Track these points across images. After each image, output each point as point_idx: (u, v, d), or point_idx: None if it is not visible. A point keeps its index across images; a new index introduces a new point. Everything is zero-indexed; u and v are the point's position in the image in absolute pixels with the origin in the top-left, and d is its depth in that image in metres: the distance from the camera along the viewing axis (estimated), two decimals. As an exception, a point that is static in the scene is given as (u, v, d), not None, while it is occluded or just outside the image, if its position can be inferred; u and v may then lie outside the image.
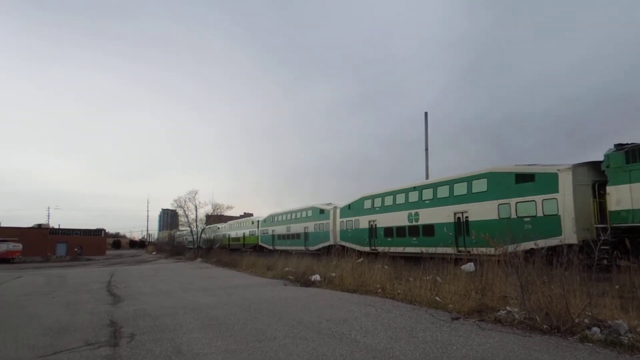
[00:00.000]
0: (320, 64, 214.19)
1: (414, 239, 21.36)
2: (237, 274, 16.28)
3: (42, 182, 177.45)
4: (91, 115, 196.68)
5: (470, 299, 7.21)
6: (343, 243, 27.33)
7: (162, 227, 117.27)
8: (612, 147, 13.73)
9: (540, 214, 15.30)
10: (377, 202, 25.22)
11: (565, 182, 14.56)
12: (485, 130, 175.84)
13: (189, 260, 32.23)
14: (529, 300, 5.65)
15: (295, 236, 35.64)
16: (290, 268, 14.81)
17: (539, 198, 15.39)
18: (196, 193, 38.84)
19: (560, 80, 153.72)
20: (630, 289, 7.36)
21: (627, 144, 13.35)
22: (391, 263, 13.61)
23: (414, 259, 16.37)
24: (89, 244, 58.46)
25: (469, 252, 17.83)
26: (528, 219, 15.65)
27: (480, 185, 18.07)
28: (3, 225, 53.75)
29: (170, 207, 65.54)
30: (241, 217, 64.79)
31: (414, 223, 21.65)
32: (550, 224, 14.73)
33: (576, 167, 14.63)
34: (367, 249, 24.72)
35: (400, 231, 22.66)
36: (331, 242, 29.73)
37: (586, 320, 5.28)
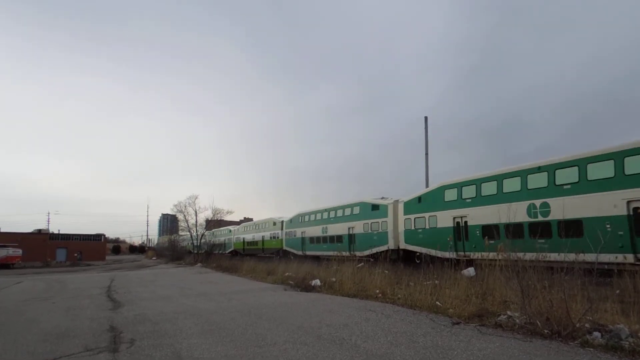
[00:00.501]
0: (321, 67, 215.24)
1: (542, 240, 13.91)
2: (237, 279, 16.25)
3: (42, 187, 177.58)
4: (91, 119, 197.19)
5: (471, 303, 7.19)
6: (410, 247, 22.01)
7: (162, 232, 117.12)
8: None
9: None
10: (468, 192, 18.64)
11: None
12: (488, 133, 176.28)
13: (189, 265, 32.17)
14: (530, 305, 5.64)
15: (336, 239, 29.21)
16: (290, 273, 14.79)
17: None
18: (196, 198, 38.79)
19: (564, 82, 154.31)
20: (631, 293, 7.35)
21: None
22: (391, 268, 13.58)
23: (414, 265, 16.31)
24: (89, 249, 58.44)
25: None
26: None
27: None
28: (3, 230, 53.81)
29: (170, 212, 65.41)
30: (241, 221, 64.57)
31: (540, 219, 15.06)
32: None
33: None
34: (451, 254, 17.65)
35: (516, 229, 13.81)
36: (390, 245, 23.66)
37: (587, 325, 5.27)
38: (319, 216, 32.79)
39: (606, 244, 12.42)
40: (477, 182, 18.22)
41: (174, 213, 47.34)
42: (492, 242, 13.70)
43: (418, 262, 19.80)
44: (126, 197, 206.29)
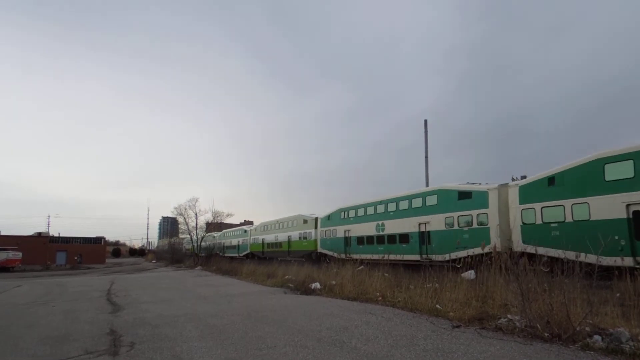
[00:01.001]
0: (316, 72, 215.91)
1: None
2: (237, 282, 16.22)
3: (42, 190, 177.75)
4: (91, 123, 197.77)
5: (471, 306, 7.19)
6: (541, 249, 14.63)
7: (162, 234, 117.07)
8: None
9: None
10: None
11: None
12: (484, 137, 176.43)
13: (189, 268, 32.11)
14: (530, 308, 5.64)
15: (398, 238, 23.01)
16: (290, 276, 14.77)
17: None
18: (196, 201, 38.85)
19: (561, 84, 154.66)
20: (631, 296, 7.35)
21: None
22: (391, 271, 13.56)
23: (414, 267, 16.33)
24: (89, 252, 58.29)
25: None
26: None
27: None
28: (3, 233, 53.74)
29: (170, 215, 65.37)
30: (241, 224, 64.48)
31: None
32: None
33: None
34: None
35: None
36: (494, 242, 16.30)
37: (587, 328, 5.27)
38: (370, 210, 26.16)
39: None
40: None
41: (174, 216, 47.39)
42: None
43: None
44: (126, 199, 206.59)
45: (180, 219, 41.78)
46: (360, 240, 26.67)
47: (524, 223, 16.31)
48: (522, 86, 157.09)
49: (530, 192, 16.38)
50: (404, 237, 22.70)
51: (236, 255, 47.88)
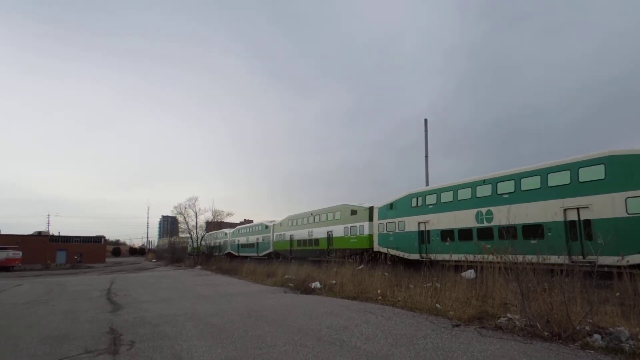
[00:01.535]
0: (316, 72, 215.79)
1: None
2: (237, 282, 16.22)
3: (42, 190, 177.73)
4: (91, 123, 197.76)
5: (471, 306, 7.20)
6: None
7: (162, 234, 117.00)
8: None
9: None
10: None
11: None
12: (484, 136, 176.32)
13: (189, 267, 32.13)
14: (530, 307, 5.64)
15: (524, 231, 15.64)
16: (290, 275, 14.77)
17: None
18: (196, 200, 38.89)
19: (561, 83, 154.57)
20: (631, 296, 7.35)
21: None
22: (391, 270, 13.57)
23: (413, 266, 16.29)
24: (89, 252, 58.36)
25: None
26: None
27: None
28: (3, 232, 53.77)
29: (170, 214, 65.28)
30: (241, 223, 64.44)
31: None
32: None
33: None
34: None
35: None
36: None
37: (587, 328, 5.27)
38: (465, 193, 19.08)
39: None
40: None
41: (174, 215, 47.37)
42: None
43: None
44: (126, 199, 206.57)
45: (180, 218, 41.88)
46: (447, 234, 19.46)
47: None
48: (522, 86, 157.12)
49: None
50: (534, 230, 15.17)
51: (255, 254, 42.44)
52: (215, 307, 8.83)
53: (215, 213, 39.68)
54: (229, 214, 41.15)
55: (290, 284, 12.92)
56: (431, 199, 21.29)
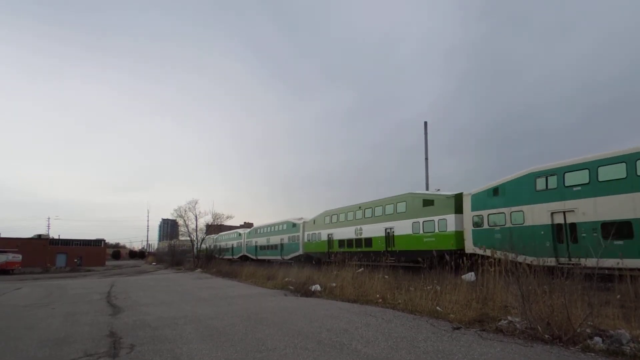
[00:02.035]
0: (316, 73, 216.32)
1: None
2: (237, 284, 16.20)
3: (42, 193, 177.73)
4: (91, 125, 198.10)
5: (471, 308, 7.18)
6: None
7: (162, 237, 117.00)
8: None
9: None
10: None
11: None
12: (484, 137, 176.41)
13: (189, 270, 32.08)
14: (531, 310, 5.63)
15: None
16: (290, 278, 14.75)
17: None
18: (196, 203, 38.85)
19: (562, 84, 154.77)
20: (632, 298, 7.34)
21: None
22: (392, 273, 13.54)
23: (413, 269, 16.32)
24: (89, 255, 58.27)
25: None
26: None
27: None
28: (3, 235, 53.74)
29: (170, 217, 65.16)
30: (241, 226, 64.32)
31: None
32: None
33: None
34: None
35: None
36: None
37: (588, 330, 5.26)
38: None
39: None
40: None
41: (174, 218, 47.22)
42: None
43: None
44: (126, 201, 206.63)
45: (180, 221, 41.74)
46: (612, 229, 12.60)
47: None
48: (522, 87, 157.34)
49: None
50: None
51: (278, 258, 36.55)
52: (215, 310, 8.81)
53: (215, 216, 39.67)
54: (228, 217, 41.11)
55: (291, 287, 12.89)
56: (576, 177, 14.44)
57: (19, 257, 39.36)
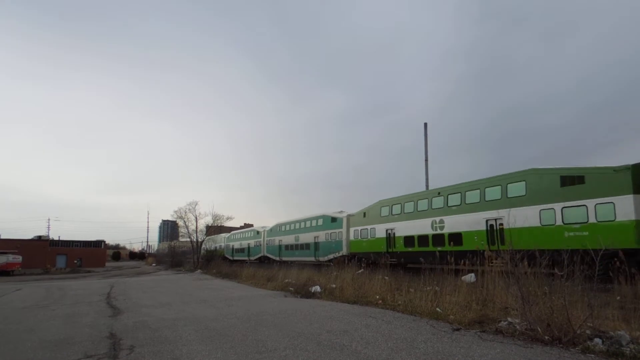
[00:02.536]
0: (314, 76, 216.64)
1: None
2: (237, 286, 16.19)
3: (42, 194, 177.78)
4: (92, 128, 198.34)
5: (471, 310, 7.18)
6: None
7: (162, 238, 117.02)
8: None
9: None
10: None
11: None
12: (480, 139, 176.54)
13: (189, 271, 32.07)
14: (530, 311, 5.63)
15: None
16: (290, 279, 14.75)
17: None
18: (196, 204, 38.86)
19: (558, 85, 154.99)
20: (632, 300, 7.34)
21: None
22: (391, 274, 13.54)
23: (413, 270, 16.30)
24: (89, 256, 58.26)
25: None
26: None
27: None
28: (3, 237, 53.76)
29: (170, 218, 65.14)
30: (241, 227, 64.25)
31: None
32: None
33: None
34: None
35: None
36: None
37: (588, 332, 5.26)
38: None
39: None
40: None
41: (174, 219, 47.22)
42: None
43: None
44: (127, 203, 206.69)
45: (180, 222, 41.75)
46: None
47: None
48: (519, 88, 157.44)
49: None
50: None
51: (316, 259, 30.20)
52: (215, 312, 8.81)
53: (216, 217, 39.68)
54: (228, 218, 41.13)
55: (291, 288, 12.89)
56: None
57: (19, 258, 39.35)
